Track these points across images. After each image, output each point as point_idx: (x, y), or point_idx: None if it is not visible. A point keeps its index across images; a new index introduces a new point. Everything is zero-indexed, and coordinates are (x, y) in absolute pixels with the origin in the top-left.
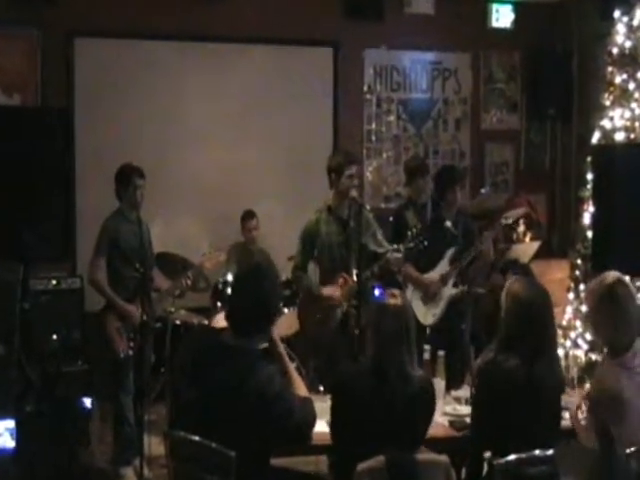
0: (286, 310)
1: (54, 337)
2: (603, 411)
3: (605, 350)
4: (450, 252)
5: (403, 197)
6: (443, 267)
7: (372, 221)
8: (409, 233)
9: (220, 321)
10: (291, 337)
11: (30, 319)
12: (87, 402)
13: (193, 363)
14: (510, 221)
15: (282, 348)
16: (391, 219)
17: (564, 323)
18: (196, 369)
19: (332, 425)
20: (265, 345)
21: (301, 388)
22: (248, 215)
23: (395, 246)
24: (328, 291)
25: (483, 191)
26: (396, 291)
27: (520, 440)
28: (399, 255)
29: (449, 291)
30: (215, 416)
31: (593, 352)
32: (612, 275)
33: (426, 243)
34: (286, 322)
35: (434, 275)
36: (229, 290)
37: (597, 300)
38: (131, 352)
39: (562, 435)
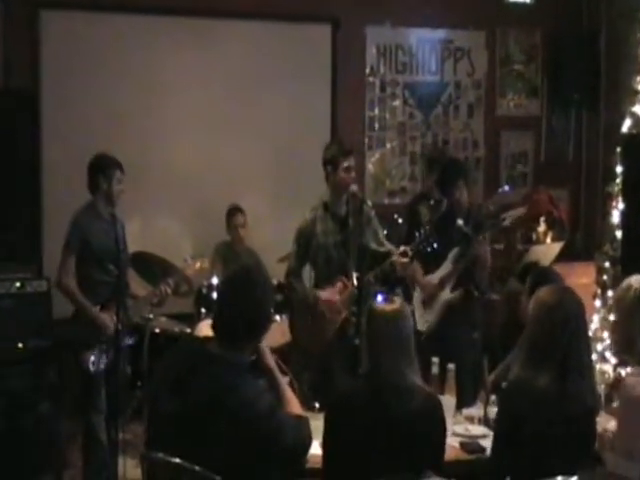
0: (278, 317)
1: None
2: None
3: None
4: (454, 252)
5: (409, 192)
6: (446, 268)
7: (373, 217)
8: (417, 234)
9: (204, 329)
10: (283, 347)
11: None
12: (54, 421)
13: (174, 376)
14: (507, 222)
15: (272, 360)
16: (396, 217)
17: (590, 334)
18: (178, 382)
19: (325, 450)
20: (254, 357)
21: (294, 405)
22: (234, 211)
23: (402, 248)
24: (326, 295)
25: (501, 191)
26: (395, 297)
27: (546, 465)
28: (406, 259)
29: (446, 295)
30: (197, 435)
31: (623, 366)
32: (638, 279)
33: (435, 245)
34: (278, 331)
35: (435, 277)
36: (214, 295)
37: (627, 308)
38: (103, 366)
39: (592, 460)
